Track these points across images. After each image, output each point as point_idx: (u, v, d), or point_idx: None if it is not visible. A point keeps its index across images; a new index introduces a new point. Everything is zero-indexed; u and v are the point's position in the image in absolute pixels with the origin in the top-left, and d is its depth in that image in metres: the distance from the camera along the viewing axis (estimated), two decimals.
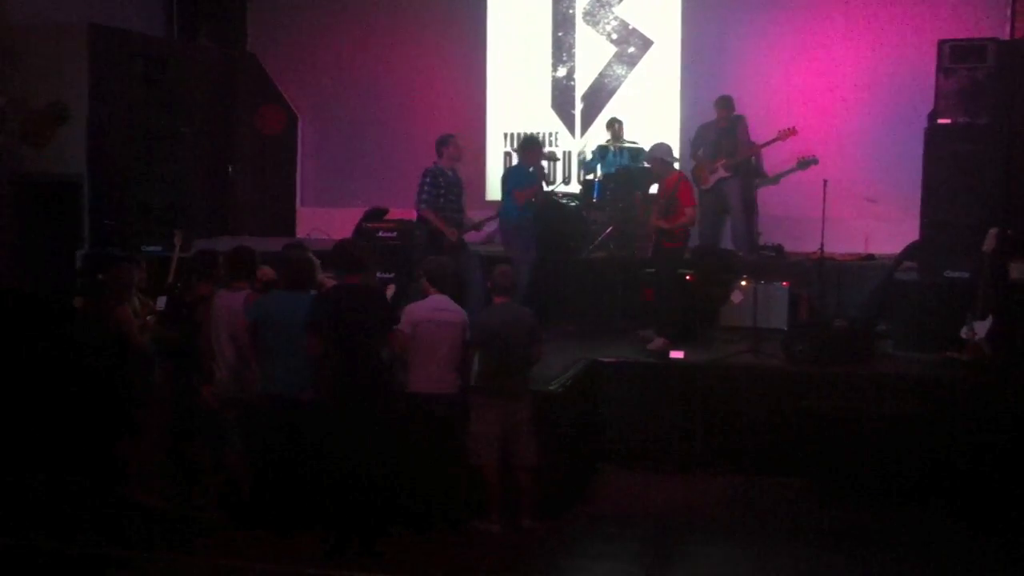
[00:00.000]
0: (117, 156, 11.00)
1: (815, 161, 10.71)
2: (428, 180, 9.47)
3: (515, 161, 11.17)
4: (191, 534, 6.96)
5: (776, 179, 11.11)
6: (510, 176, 10.15)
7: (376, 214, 10.88)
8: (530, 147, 10.18)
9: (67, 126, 10.60)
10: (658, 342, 9.08)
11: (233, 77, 13.45)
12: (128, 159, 11.01)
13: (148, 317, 7.83)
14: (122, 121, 11.01)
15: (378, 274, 8.80)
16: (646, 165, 11.61)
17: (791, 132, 10.89)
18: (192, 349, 7.21)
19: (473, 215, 10.04)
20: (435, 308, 7.13)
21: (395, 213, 10.99)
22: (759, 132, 11.20)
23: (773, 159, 11.39)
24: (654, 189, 11.61)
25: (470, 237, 10.01)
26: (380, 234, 9.98)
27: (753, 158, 11.32)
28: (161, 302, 7.99)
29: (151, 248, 10.42)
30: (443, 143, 9.69)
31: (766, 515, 7.51)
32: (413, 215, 10.29)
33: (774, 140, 11.00)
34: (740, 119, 11.17)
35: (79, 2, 11.20)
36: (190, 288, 7.56)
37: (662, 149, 9.67)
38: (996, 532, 7.08)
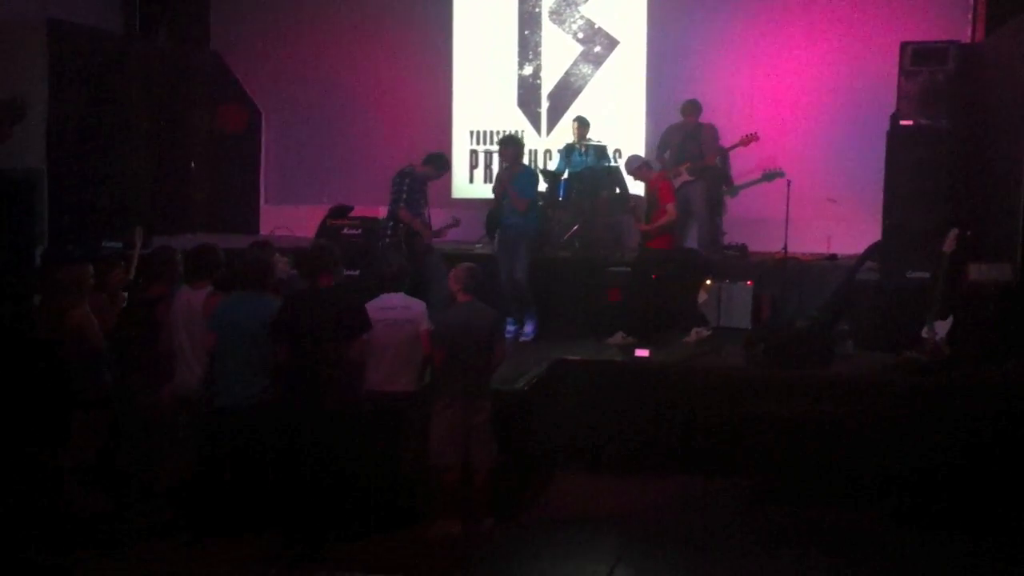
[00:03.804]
0: (77, 152, 10.86)
1: (781, 174, 10.75)
2: (407, 182, 9.52)
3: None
4: (135, 538, 6.83)
5: (736, 190, 11.24)
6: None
7: (340, 211, 10.84)
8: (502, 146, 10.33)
9: (26, 122, 10.44)
10: (617, 337, 9.37)
11: (194, 74, 13.31)
12: (88, 155, 10.87)
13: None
14: (82, 117, 10.87)
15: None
16: (611, 164, 11.75)
17: (753, 138, 10.97)
18: (143, 348, 7.12)
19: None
20: (384, 307, 7.11)
21: (359, 210, 10.95)
22: (723, 134, 11.26)
23: (740, 167, 11.44)
24: (619, 190, 11.76)
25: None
26: (345, 231, 9.96)
27: (719, 161, 11.36)
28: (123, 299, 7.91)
29: (111, 244, 10.28)
30: (439, 164, 9.81)
31: (725, 516, 7.53)
32: (378, 212, 10.26)
33: (736, 146, 11.07)
34: (707, 125, 11.25)
35: None
36: (148, 286, 7.47)
37: (638, 157, 10.07)
38: (944, 533, 7.16)
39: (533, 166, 12.34)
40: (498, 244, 10.18)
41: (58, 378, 7.10)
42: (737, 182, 11.49)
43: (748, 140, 10.98)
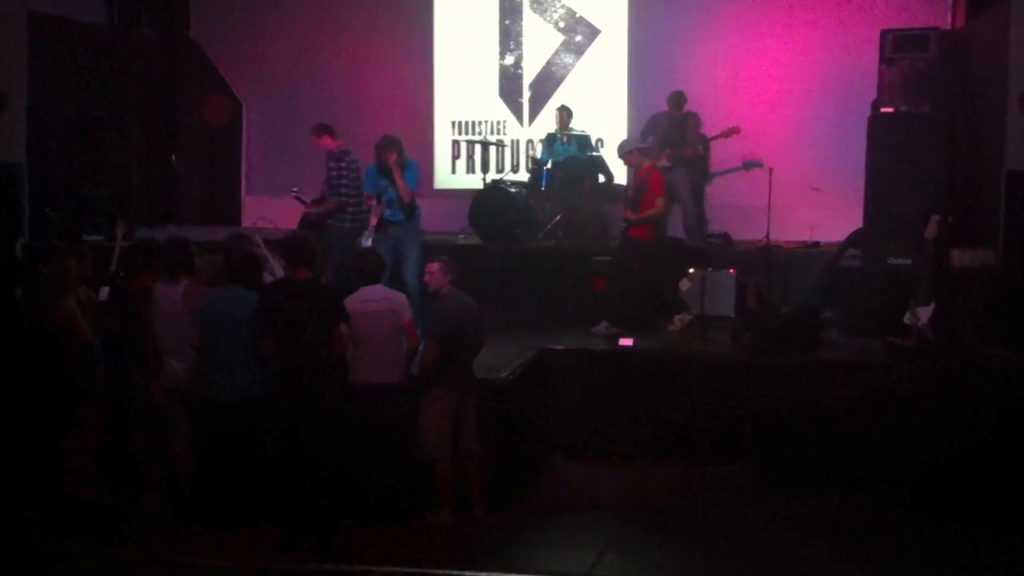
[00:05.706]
0: (58, 145, 10.79)
1: (760, 164, 10.75)
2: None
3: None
4: (135, 529, 6.88)
5: (711, 178, 11.26)
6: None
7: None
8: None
9: (6, 114, 10.40)
10: (601, 326, 9.30)
11: (176, 65, 13.25)
12: (69, 148, 10.79)
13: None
14: (63, 109, 10.80)
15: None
16: (594, 153, 11.75)
17: (734, 131, 10.96)
18: (133, 340, 7.09)
19: None
20: (364, 299, 7.08)
21: None
22: (705, 121, 11.26)
23: (721, 155, 11.42)
24: (602, 178, 11.76)
25: None
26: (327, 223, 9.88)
27: (701, 149, 11.36)
28: (104, 292, 7.86)
29: (93, 238, 10.23)
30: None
31: (714, 503, 7.57)
32: None
33: (716, 137, 11.09)
34: (692, 115, 11.24)
35: None
36: (132, 279, 7.44)
37: (633, 142, 9.94)
38: (940, 519, 7.18)
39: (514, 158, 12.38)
40: (378, 241, 9.35)
41: (55, 371, 7.09)
42: (717, 169, 11.47)
43: (729, 133, 10.98)
